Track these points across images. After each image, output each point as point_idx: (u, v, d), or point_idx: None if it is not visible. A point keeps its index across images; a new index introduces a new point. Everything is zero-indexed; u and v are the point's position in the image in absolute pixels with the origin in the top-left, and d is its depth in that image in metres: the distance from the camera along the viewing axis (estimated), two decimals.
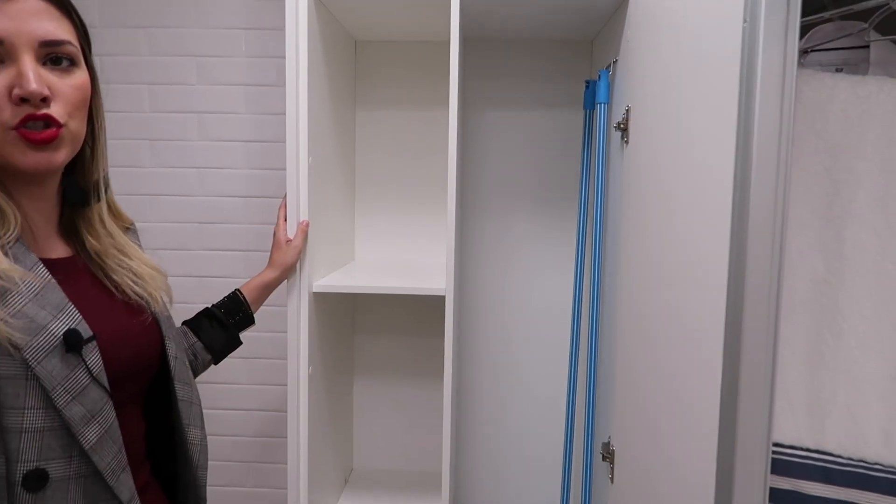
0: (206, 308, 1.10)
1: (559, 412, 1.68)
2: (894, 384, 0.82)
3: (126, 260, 0.81)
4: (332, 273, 1.42)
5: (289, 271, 1.22)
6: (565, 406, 1.66)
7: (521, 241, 1.65)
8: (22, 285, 0.66)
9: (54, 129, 0.69)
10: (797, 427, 0.86)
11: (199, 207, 1.67)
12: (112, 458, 0.70)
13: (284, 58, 1.23)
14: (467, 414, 1.70)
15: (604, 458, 1.32)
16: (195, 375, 1.00)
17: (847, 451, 0.84)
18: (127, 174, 1.67)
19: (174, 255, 1.68)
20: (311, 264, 1.27)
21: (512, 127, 1.63)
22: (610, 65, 1.36)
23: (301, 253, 1.23)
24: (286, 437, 1.68)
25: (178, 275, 1.67)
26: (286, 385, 1.42)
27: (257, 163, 1.65)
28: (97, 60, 0.78)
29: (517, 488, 1.71)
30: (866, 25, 0.93)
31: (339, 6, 1.34)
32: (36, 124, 0.68)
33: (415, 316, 1.68)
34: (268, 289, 1.19)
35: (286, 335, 1.25)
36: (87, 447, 0.67)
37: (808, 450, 0.86)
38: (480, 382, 1.69)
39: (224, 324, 1.09)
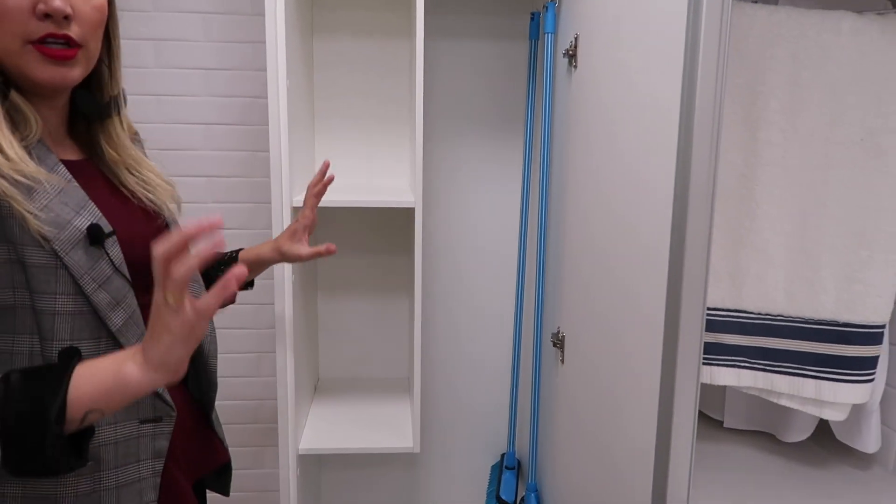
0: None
1: (510, 313, 1.88)
2: (794, 255, 1.05)
3: (140, 170, 0.89)
4: (298, 195, 1.53)
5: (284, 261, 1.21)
6: (514, 305, 1.86)
7: (472, 162, 1.81)
8: (46, 184, 0.72)
9: (73, 49, 0.74)
10: (720, 292, 1.08)
11: (160, 134, 1.73)
12: (136, 340, 0.77)
13: None
14: (426, 320, 1.88)
15: (554, 345, 1.53)
16: None
17: (758, 308, 1.07)
18: None
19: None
20: (292, 185, 1.39)
21: (462, 56, 1.76)
22: (552, 1, 1.51)
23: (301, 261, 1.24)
24: (272, 353, 1.82)
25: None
26: (273, 304, 1.54)
27: (224, 91, 1.71)
28: None
29: (473, 383, 1.92)
30: None
31: None
32: (56, 41, 0.73)
33: (375, 233, 1.82)
34: (262, 266, 1.19)
35: None
36: (113, 330, 0.75)
37: (728, 310, 1.08)
38: (436, 291, 1.87)
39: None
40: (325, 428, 1.61)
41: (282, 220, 1.35)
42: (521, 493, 1.82)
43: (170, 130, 1.72)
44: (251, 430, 1.90)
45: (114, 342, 0.76)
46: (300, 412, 1.54)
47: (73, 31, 0.74)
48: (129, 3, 1.66)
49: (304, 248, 1.16)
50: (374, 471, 1.96)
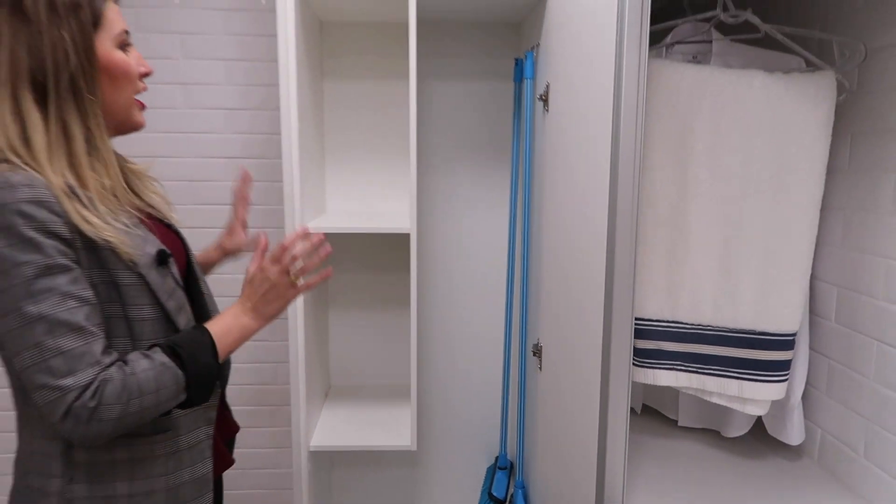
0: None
1: (500, 325, 2.08)
2: (719, 273, 1.23)
3: (153, 191, 1.10)
4: (311, 221, 1.75)
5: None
6: (504, 319, 2.06)
7: (464, 188, 2.02)
8: (129, 223, 0.96)
9: None
10: (659, 305, 1.26)
11: (188, 168, 1.96)
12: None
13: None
14: (425, 332, 2.08)
15: (534, 354, 1.72)
16: None
17: (690, 319, 1.25)
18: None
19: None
20: (303, 212, 1.61)
21: (455, 96, 1.98)
22: (534, 47, 1.72)
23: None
24: (287, 362, 2.04)
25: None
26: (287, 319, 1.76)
27: (245, 129, 1.95)
28: None
29: (469, 390, 2.12)
30: (710, 27, 1.31)
31: (312, 4, 1.65)
32: (143, 95, 1.02)
33: (378, 255, 2.03)
34: (211, 266, 1.37)
35: None
36: (180, 328, 1.01)
37: (667, 321, 1.27)
38: (435, 305, 2.07)
39: None
40: (334, 428, 1.81)
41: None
42: (512, 490, 2.00)
43: (196, 164, 1.96)
44: (269, 433, 2.11)
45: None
46: (312, 414, 1.75)
47: None
48: (158, 49, 1.91)
49: (240, 238, 1.36)
50: (379, 469, 2.16)
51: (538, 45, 1.69)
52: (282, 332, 2.05)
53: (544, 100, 1.60)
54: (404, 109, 1.96)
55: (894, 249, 1.14)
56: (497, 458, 2.10)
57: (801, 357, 1.30)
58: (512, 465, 2.08)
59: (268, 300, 1.05)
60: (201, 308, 1.12)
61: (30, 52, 0.88)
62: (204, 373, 0.97)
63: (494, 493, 1.99)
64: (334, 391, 2.07)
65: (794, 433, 1.32)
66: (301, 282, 1.08)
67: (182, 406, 0.98)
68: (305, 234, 1.08)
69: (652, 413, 1.62)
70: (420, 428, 2.13)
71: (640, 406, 1.62)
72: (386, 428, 1.82)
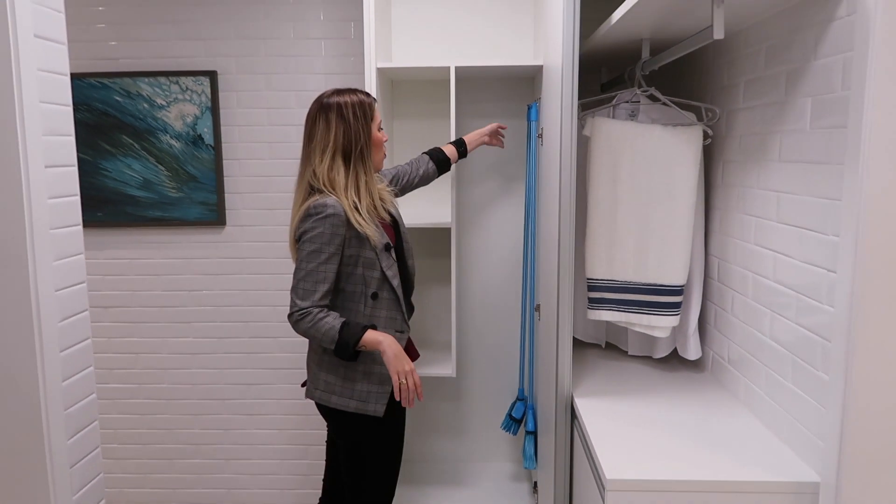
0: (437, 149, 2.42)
1: (517, 293, 2.88)
2: (637, 248, 1.99)
3: (389, 206, 2.02)
4: None
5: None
6: (521, 288, 2.86)
7: (490, 196, 2.83)
8: (377, 224, 1.90)
9: None
10: (602, 269, 2.03)
11: None
12: (403, 292, 1.98)
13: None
14: (462, 300, 2.90)
15: (536, 311, 2.51)
16: (428, 180, 2.40)
17: (620, 277, 2.02)
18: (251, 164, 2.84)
19: None
20: None
21: None
22: (537, 99, 2.51)
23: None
24: None
25: None
26: None
27: None
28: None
29: (496, 341, 2.93)
30: (638, 92, 2.08)
31: (386, 72, 2.49)
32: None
33: (430, 244, 2.86)
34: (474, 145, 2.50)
35: None
36: (395, 286, 1.94)
37: (607, 279, 2.04)
38: (469, 280, 2.88)
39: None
40: None
41: None
42: (525, 412, 2.79)
43: None
44: None
45: (394, 293, 1.94)
46: None
47: None
48: (284, 101, 2.78)
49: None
50: (427, 395, 2.99)
51: (540, 98, 2.48)
52: None
53: (541, 137, 2.39)
54: (447, 140, 2.78)
55: (740, 233, 1.88)
56: (518, 392, 2.89)
57: (694, 301, 2.05)
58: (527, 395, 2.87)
59: (389, 360, 1.81)
60: (404, 269, 2.05)
61: (344, 135, 1.84)
62: (343, 343, 1.79)
63: (514, 415, 2.79)
64: None
65: (690, 352, 2.07)
66: (403, 381, 1.83)
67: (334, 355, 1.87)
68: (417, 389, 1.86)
69: (612, 347, 2.39)
70: (459, 368, 2.95)
71: (603, 342, 2.39)
72: (435, 362, 2.64)
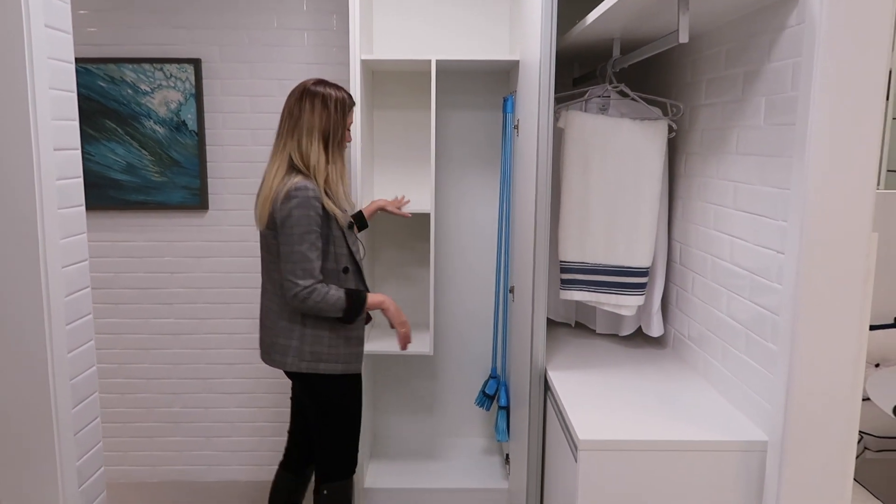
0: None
1: (492, 275, 3.03)
2: (607, 233, 2.15)
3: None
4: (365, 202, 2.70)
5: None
6: (494, 271, 3.01)
7: (468, 184, 2.97)
8: (345, 207, 2.04)
9: None
10: (575, 252, 2.18)
11: None
12: (363, 266, 2.11)
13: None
14: (440, 282, 3.03)
15: (510, 292, 2.66)
16: None
17: (591, 260, 2.17)
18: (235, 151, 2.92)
19: None
20: (360, 200, 2.56)
21: (463, 121, 2.92)
22: (513, 92, 2.65)
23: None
24: None
25: None
26: None
27: None
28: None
29: (471, 321, 3.08)
30: (609, 87, 2.23)
31: (369, 63, 2.61)
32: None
33: (409, 229, 2.98)
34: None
35: None
36: (359, 260, 2.09)
37: (578, 261, 2.19)
38: (447, 263, 3.02)
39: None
40: (377, 345, 2.77)
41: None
42: (498, 388, 2.94)
43: None
44: None
45: (357, 266, 2.10)
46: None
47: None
48: (265, 89, 2.87)
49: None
50: (405, 373, 3.12)
51: (515, 91, 2.61)
52: None
53: (516, 128, 2.53)
54: (427, 130, 2.91)
55: (700, 219, 2.05)
56: (492, 370, 3.05)
57: (657, 282, 2.22)
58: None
59: (393, 315, 2.21)
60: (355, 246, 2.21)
61: (326, 122, 1.98)
62: (354, 309, 2.03)
63: (487, 392, 2.94)
64: (375, 323, 3.02)
65: (654, 329, 2.25)
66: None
67: (340, 320, 2.07)
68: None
69: (581, 326, 2.56)
70: (436, 347, 3.09)
71: (573, 321, 2.55)
72: (415, 344, 2.77)
